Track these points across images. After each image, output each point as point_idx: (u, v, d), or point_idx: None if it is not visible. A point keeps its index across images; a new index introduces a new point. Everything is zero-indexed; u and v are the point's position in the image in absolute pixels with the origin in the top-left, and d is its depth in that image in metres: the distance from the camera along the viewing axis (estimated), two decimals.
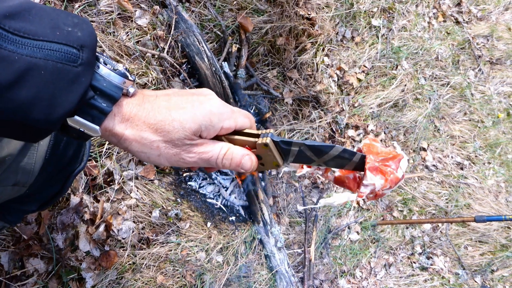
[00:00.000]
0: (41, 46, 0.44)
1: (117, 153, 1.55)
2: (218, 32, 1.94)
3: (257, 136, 0.60)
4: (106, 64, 0.52)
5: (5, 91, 0.42)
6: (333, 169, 0.63)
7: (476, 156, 3.33)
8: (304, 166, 0.63)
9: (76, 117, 0.49)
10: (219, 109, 0.56)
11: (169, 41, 1.74)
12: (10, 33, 0.42)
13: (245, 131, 0.61)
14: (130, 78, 0.54)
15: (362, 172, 0.58)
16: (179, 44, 1.78)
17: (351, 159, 0.59)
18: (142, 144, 0.54)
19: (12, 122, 0.44)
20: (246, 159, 0.59)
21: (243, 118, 0.60)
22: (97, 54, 0.52)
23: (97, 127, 0.50)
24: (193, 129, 0.54)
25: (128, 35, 1.62)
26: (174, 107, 0.54)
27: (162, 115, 0.54)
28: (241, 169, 0.59)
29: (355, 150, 0.60)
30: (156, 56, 1.69)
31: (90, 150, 1.43)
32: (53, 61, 0.44)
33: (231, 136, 0.60)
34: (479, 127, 3.41)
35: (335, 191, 2.42)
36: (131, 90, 0.54)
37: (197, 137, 0.56)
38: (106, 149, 1.50)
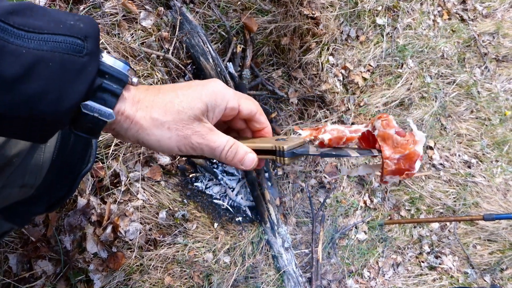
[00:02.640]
0: (46, 39, 0.45)
1: (124, 154, 1.55)
2: (223, 33, 1.94)
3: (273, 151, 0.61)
4: (109, 53, 0.53)
5: (15, 85, 0.42)
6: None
7: (483, 154, 3.30)
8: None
9: (90, 102, 0.49)
10: (221, 90, 0.58)
11: (174, 42, 1.74)
12: (16, 28, 0.43)
13: (260, 145, 0.62)
14: (131, 67, 0.55)
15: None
16: (184, 45, 1.78)
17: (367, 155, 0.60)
18: (154, 125, 0.54)
19: (21, 117, 0.45)
20: (249, 156, 0.60)
21: (246, 101, 0.62)
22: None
23: (111, 110, 0.51)
24: (201, 108, 0.55)
25: (133, 36, 1.63)
26: (180, 89, 0.56)
27: (169, 96, 0.55)
28: (242, 165, 0.60)
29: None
30: (161, 57, 1.70)
31: (97, 152, 1.43)
32: (60, 53, 0.45)
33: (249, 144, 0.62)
34: (486, 125, 3.39)
35: (342, 191, 2.41)
36: (135, 80, 0.55)
37: (205, 119, 0.57)
38: (113, 150, 1.50)
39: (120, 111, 0.52)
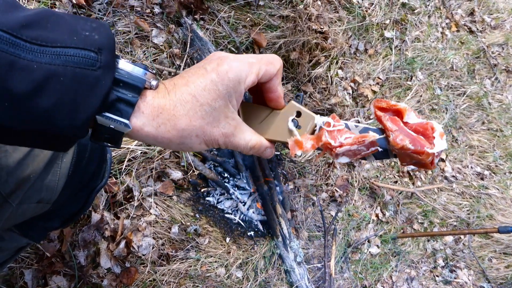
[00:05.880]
0: (59, 52, 0.44)
1: (136, 169, 1.56)
2: (233, 49, 1.96)
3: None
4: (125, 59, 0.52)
5: (26, 101, 0.42)
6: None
7: (496, 166, 3.26)
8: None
9: (105, 114, 0.48)
10: (235, 72, 0.55)
11: (185, 59, 1.77)
12: (28, 43, 0.42)
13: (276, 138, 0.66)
14: (150, 71, 0.53)
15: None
16: (195, 61, 1.81)
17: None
18: (181, 136, 0.53)
19: (37, 131, 0.45)
20: (268, 151, 0.64)
21: (264, 67, 0.58)
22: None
23: (127, 121, 0.49)
24: (223, 105, 0.54)
25: (145, 53, 1.66)
26: (196, 90, 0.53)
27: (190, 103, 0.53)
28: (261, 156, 0.64)
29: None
30: (172, 74, 1.72)
31: (110, 167, 1.45)
32: (72, 67, 0.44)
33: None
34: (498, 136, 3.36)
35: (354, 204, 2.40)
36: (154, 82, 0.53)
37: (231, 108, 0.56)
38: (126, 166, 1.52)
39: (138, 127, 0.51)
